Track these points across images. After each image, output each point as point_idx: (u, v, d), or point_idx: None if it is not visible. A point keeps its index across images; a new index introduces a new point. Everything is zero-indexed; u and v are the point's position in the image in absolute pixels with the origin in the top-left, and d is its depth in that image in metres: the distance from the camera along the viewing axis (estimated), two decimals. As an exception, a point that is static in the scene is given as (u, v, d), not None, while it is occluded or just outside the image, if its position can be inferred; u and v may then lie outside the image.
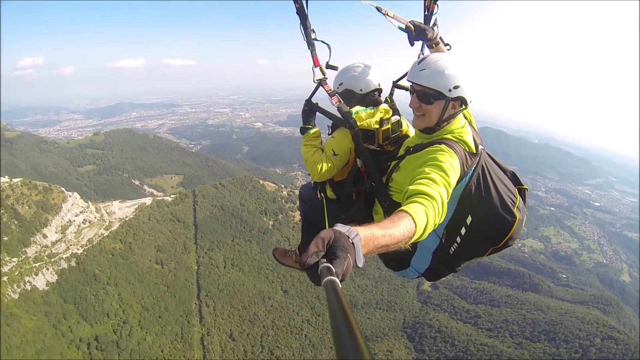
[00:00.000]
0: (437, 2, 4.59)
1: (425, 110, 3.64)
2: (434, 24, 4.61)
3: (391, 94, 5.25)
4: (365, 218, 4.46)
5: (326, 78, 4.87)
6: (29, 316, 71.84)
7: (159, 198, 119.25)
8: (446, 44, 4.61)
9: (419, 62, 3.63)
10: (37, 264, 79.32)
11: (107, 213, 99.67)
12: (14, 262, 77.78)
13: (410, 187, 2.88)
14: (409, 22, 4.37)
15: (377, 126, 4.65)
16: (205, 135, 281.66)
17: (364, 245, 1.84)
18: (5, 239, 79.27)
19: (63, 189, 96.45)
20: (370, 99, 5.08)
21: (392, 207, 3.33)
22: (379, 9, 4.45)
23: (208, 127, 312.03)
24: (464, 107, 3.70)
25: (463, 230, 3.75)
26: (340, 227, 1.81)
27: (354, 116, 4.55)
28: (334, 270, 1.52)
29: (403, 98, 4.39)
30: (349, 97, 5.06)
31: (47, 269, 79.51)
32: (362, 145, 4.47)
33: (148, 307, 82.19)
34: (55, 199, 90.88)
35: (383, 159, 4.35)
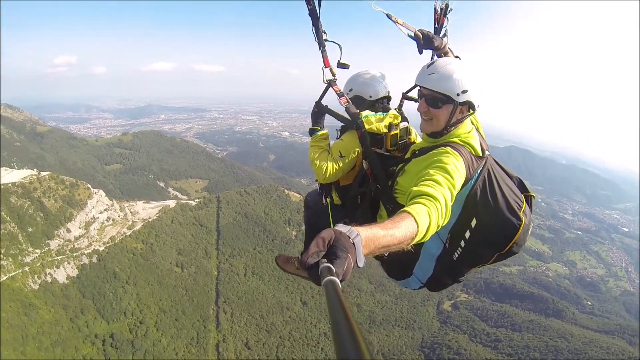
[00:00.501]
0: (447, 16, 4.73)
1: (433, 114, 3.63)
2: (444, 35, 4.75)
3: (400, 105, 5.25)
4: (369, 222, 4.36)
5: (336, 79, 4.90)
6: (47, 307, 71.81)
7: (183, 201, 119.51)
8: (456, 56, 4.63)
9: (428, 66, 3.63)
10: (59, 257, 79.60)
11: (131, 212, 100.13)
12: (37, 253, 78.32)
13: (414, 189, 2.89)
14: (418, 30, 4.48)
15: (385, 130, 4.68)
16: (232, 142, 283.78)
17: (364, 246, 1.84)
18: (30, 230, 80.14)
19: (89, 185, 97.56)
20: (380, 106, 5.13)
21: (396, 211, 2.95)
22: (389, 16, 4.51)
23: (235, 134, 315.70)
24: (471, 111, 3.68)
25: (467, 234, 3.71)
26: (341, 227, 1.81)
27: (363, 119, 4.58)
28: (334, 270, 1.51)
29: (413, 110, 4.35)
30: (359, 103, 5.11)
31: (69, 263, 79.63)
32: (369, 146, 4.48)
33: (165, 309, 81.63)
34: (81, 194, 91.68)
35: (390, 164, 4.35)
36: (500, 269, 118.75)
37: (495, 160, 3.85)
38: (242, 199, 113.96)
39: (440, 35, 4.67)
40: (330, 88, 4.86)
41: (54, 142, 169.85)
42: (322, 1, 4.58)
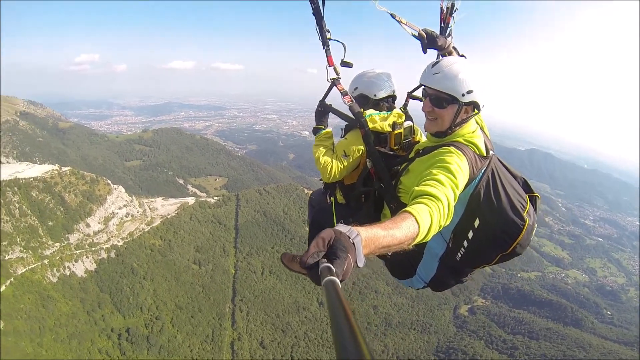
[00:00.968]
0: (454, 15, 4.70)
1: (438, 114, 3.58)
2: (449, 34, 4.74)
3: (405, 104, 5.27)
4: (373, 222, 3.56)
5: (340, 78, 4.92)
6: (65, 300, 72.68)
7: (202, 199, 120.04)
8: (461, 55, 4.61)
9: (433, 66, 3.57)
10: (78, 251, 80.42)
11: (150, 209, 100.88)
12: (57, 247, 79.31)
13: (416, 188, 2.84)
14: (422, 29, 4.46)
15: (389, 129, 4.72)
16: (252, 140, 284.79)
17: (365, 246, 1.84)
18: (50, 224, 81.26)
19: (109, 181, 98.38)
20: (384, 105, 5.14)
21: (400, 210, 2.86)
22: (393, 16, 4.43)
23: (255, 132, 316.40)
24: (476, 111, 3.64)
25: (470, 234, 3.65)
26: (341, 227, 1.80)
27: (367, 118, 4.62)
28: (334, 270, 1.50)
29: (419, 109, 4.14)
30: (363, 102, 5.12)
31: (87, 257, 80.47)
32: (372, 145, 4.50)
33: (182, 305, 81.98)
34: (101, 190, 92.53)
35: (394, 163, 4.30)
36: (519, 275, 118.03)
37: (499, 160, 3.78)
38: (262, 198, 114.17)
39: (446, 35, 4.68)
40: (334, 87, 4.91)
41: (75, 138, 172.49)
42: (325, 0, 4.57)
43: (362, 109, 4.73)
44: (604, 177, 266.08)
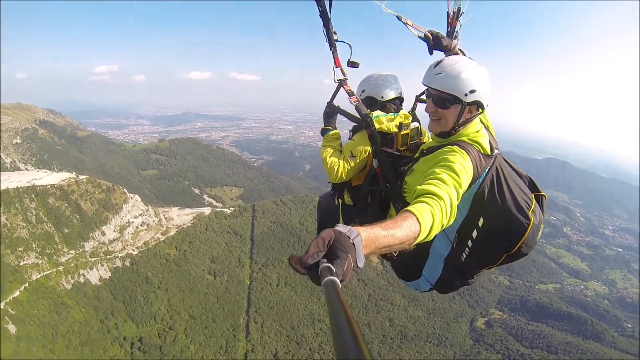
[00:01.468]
0: (460, 19, 4.67)
1: (441, 114, 3.53)
2: (455, 36, 4.70)
3: (413, 108, 5.19)
4: (378, 222, 3.64)
5: (346, 79, 4.96)
6: (79, 308, 72.77)
7: (218, 209, 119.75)
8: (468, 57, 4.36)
9: (435, 66, 3.50)
10: (93, 259, 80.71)
11: (166, 218, 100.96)
12: (72, 254, 79.62)
13: (419, 187, 2.82)
14: (427, 31, 4.46)
15: (396, 130, 4.68)
16: (268, 151, 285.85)
17: (365, 246, 1.85)
18: (66, 231, 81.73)
19: (125, 190, 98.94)
20: (392, 107, 5.21)
21: None
22: (399, 18, 4.48)
23: (271, 143, 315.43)
24: (480, 111, 3.58)
25: (475, 234, 3.56)
26: (341, 228, 1.81)
27: (374, 119, 4.60)
28: (334, 271, 1.51)
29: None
30: (371, 103, 5.17)
31: (102, 265, 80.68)
32: (379, 145, 4.48)
33: (196, 316, 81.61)
34: (117, 199, 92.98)
35: (400, 163, 4.31)
36: (537, 287, 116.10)
37: (504, 159, 3.70)
38: (278, 209, 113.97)
39: (452, 38, 4.66)
40: (341, 88, 4.95)
41: (93, 147, 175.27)
42: (332, 3, 4.63)
43: (369, 111, 4.72)
44: (624, 186, 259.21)
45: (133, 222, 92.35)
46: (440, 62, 3.47)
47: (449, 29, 4.68)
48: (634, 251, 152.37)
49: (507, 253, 3.45)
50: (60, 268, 75.41)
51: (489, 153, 3.50)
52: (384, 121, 4.64)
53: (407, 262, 4.26)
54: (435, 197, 2.60)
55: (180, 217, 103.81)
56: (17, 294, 66.10)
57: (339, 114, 5.26)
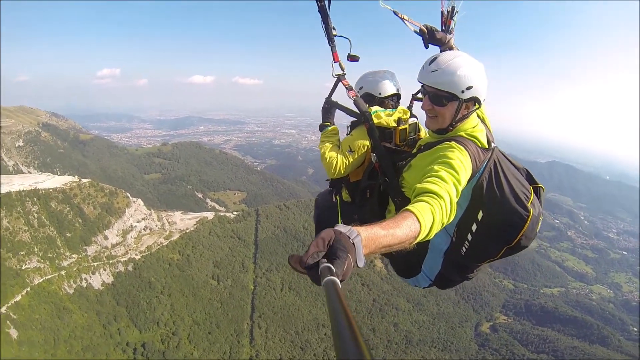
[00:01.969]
0: (454, 18, 4.64)
1: (438, 112, 3.50)
2: (450, 32, 4.65)
3: (410, 106, 5.10)
4: (378, 218, 4.45)
5: (345, 74, 4.95)
6: (81, 312, 72.49)
7: (221, 214, 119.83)
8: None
9: (430, 62, 3.45)
10: (95, 263, 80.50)
11: (169, 223, 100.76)
12: (74, 258, 79.25)
13: (419, 186, 2.81)
14: (423, 25, 4.46)
15: (394, 124, 4.65)
16: (271, 155, 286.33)
17: (365, 246, 1.85)
18: (69, 235, 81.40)
19: (128, 194, 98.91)
20: (390, 103, 5.15)
21: (404, 204, 2.93)
22: (395, 13, 4.49)
23: (274, 147, 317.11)
24: (477, 106, 3.54)
25: (474, 227, 3.56)
26: (341, 227, 1.81)
27: (373, 114, 4.56)
28: (334, 270, 1.51)
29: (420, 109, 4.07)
30: (368, 100, 5.10)
31: (104, 270, 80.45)
32: (377, 140, 4.43)
33: (199, 321, 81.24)
34: (120, 203, 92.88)
35: (399, 158, 4.26)
36: (542, 291, 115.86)
37: (501, 152, 3.71)
38: (282, 213, 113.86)
39: (448, 32, 4.63)
40: (340, 83, 4.94)
41: (95, 150, 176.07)
42: None
43: (368, 106, 4.72)
44: (628, 189, 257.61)
45: (136, 226, 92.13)
46: (435, 58, 3.42)
47: (443, 28, 4.65)
48: (639, 254, 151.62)
49: (507, 246, 3.42)
50: (63, 272, 75.20)
51: (487, 147, 3.49)
52: (382, 116, 4.64)
53: (406, 258, 4.17)
54: (435, 196, 2.60)
55: (184, 221, 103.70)
56: (18, 298, 65.81)
57: (337, 110, 5.23)
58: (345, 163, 4.66)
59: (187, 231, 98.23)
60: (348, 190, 5.18)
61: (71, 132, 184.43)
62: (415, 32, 4.43)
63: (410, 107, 5.05)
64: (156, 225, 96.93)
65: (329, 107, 5.20)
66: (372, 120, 4.46)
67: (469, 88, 3.27)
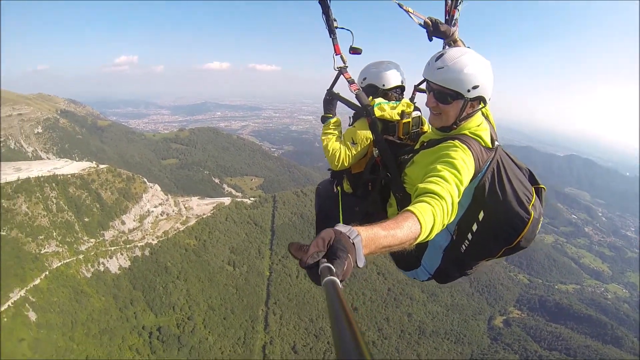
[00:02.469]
0: (458, 7, 4.64)
1: (442, 109, 3.45)
2: (454, 24, 4.63)
3: (412, 98, 5.07)
4: (379, 211, 4.61)
5: (346, 66, 4.92)
6: (99, 296, 73.27)
7: (238, 199, 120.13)
8: (467, 47, 4.19)
9: (436, 59, 3.38)
10: (112, 248, 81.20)
11: (185, 208, 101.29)
12: (92, 242, 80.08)
13: (420, 185, 2.80)
14: (427, 18, 4.43)
15: (398, 117, 4.59)
16: (288, 141, 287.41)
17: (365, 246, 1.85)
18: (86, 220, 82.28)
19: (145, 179, 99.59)
20: (393, 95, 5.11)
21: (405, 199, 3.34)
22: (400, 5, 4.48)
23: (291, 133, 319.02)
24: (482, 105, 3.49)
25: (475, 227, 3.53)
26: (341, 227, 1.81)
27: (376, 107, 4.56)
28: (334, 270, 1.51)
29: (424, 102, 3.98)
30: (372, 92, 5.08)
31: (122, 254, 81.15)
32: (379, 133, 4.45)
33: (214, 307, 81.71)
34: (137, 188, 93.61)
35: (402, 152, 4.20)
36: (556, 287, 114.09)
37: (504, 151, 3.66)
38: (299, 200, 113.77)
39: (452, 24, 4.62)
40: (341, 75, 4.90)
41: (113, 136, 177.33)
42: None
43: (371, 98, 4.78)
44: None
45: (153, 211, 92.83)
46: (442, 55, 3.35)
47: (447, 18, 4.67)
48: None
49: (507, 246, 3.41)
50: (81, 256, 75.91)
51: (490, 146, 3.45)
52: (386, 109, 4.59)
53: (407, 251, 3.49)
54: (436, 197, 2.59)
55: (200, 206, 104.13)
56: (37, 281, 66.56)
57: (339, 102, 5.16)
58: (349, 155, 4.68)
59: (204, 216, 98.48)
60: (350, 182, 5.21)
61: (89, 119, 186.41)
62: (420, 24, 4.45)
63: (412, 99, 5.05)
64: (173, 211, 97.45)
65: (331, 99, 5.15)
66: (374, 114, 4.47)
67: (475, 87, 3.25)
